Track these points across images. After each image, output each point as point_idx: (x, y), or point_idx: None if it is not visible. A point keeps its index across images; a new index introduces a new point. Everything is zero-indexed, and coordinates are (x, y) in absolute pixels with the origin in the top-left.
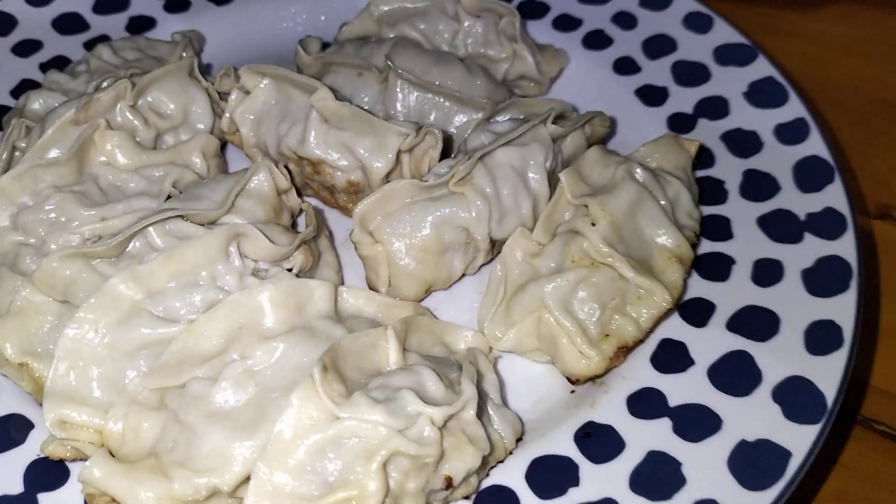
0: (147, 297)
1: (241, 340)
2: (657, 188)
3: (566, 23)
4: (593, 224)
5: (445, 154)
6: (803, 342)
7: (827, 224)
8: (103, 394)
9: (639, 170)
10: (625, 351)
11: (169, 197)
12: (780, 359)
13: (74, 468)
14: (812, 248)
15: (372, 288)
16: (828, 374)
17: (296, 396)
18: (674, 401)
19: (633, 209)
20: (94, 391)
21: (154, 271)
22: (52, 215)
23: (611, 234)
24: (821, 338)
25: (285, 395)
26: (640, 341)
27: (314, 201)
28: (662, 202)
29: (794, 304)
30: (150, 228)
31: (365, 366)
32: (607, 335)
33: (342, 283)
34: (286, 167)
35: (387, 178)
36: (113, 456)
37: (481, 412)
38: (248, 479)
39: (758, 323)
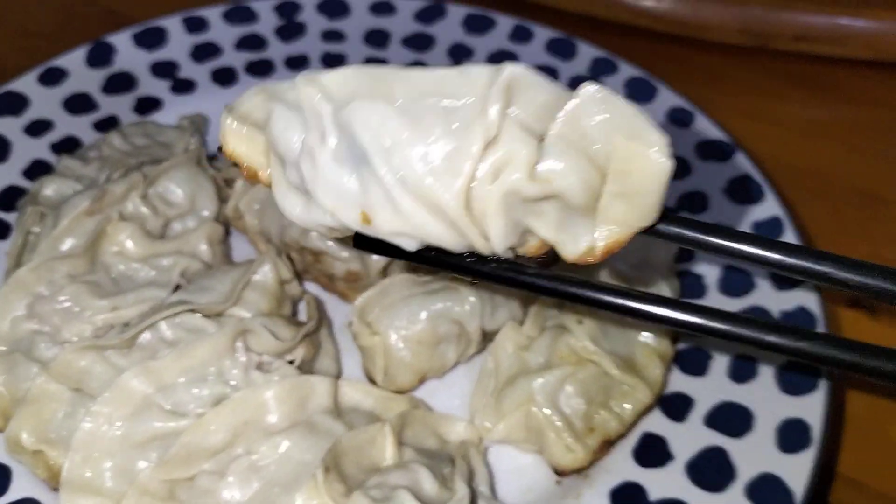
0: (158, 391)
1: (247, 435)
2: (641, 285)
3: None
4: (580, 322)
5: None
6: (774, 440)
7: (799, 322)
8: (116, 484)
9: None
10: (608, 445)
11: (177, 287)
12: (753, 456)
13: None
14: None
15: (369, 375)
16: (797, 471)
17: (300, 498)
18: (654, 495)
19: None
20: (107, 481)
21: (166, 367)
22: (67, 304)
23: (596, 332)
24: (791, 436)
25: (287, 490)
26: (623, 435)
27: (314, 286)
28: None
29: (767, 401)
30: (160, 321)
31: (363, 461)
32: (592, 429)
33: (340, 371)
34: (288, 256)
35: (385, 268)
36: None
37: None
38: None
39: (733, 419)
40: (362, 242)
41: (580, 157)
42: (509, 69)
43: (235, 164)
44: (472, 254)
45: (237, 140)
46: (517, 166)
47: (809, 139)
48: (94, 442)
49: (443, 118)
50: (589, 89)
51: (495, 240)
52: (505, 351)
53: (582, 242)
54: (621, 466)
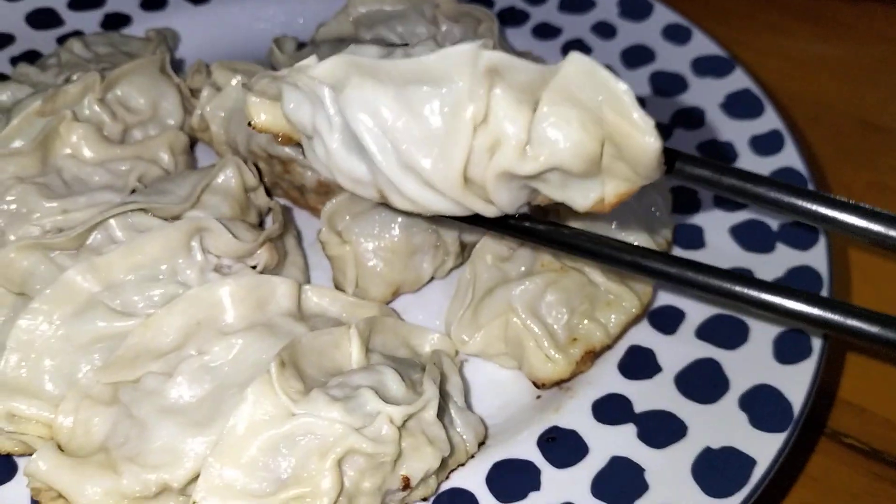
0: (104, 289)
1: (199, 336)
2: (634, 198)
3: (546, 31)
4: None
5: None
6: (772, 351)
7: (799, 234)
8: (55, 387)
9: None
10: (592, 356)
11: (133, 191)
12: (748, 367)
13: (22, 463)
14: (784, 259)
15: (339, 289)
16: (795, 383)
17: (251, 391)
18: (639, 407)
19: (607, 215)
20: (45, 384)
21: (113, 263)
22: (13, 206)
23: None
24: (789, 347)
25: (242, 391)
26: (608, 347)
27: (284, 201)
28: (635, 207)
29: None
30: (112, 221)
31: (326, 364)
32: (575, 339)
33: (308, 282)
34: (256, 165)
35: None
36: (62, 450)
37: (442, 413)
38: (199, 476)
39: (727, 331)
40: None
41: (572, 129)
42: (486, 55)
43: (263, 131)
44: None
45: (260, 110)
46: (508, 147)
47: (813, 71)
48: (32, 341)
49: (432, 103)
50: (575, 60)
51: (502, 206)
52: (484, 262)
53: (591, 197)
54: (605, 379)
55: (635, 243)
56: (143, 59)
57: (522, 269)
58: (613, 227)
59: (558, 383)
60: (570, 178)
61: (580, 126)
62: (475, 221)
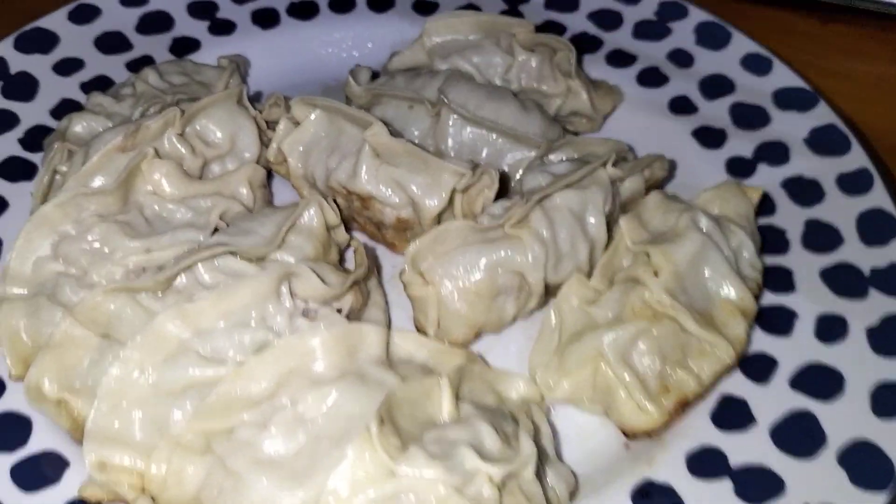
0: (195, 336)
1: (291, 384)
2: (721, 238)
3: (620, 58)
4: (656, 274)
5: (500, 193)
6: (869, 404)
7: (892, 280)
8: (146, 436)
9: (703, 218)
10: (684, 406)
11: (216, 230)
12: (845, 420)
13: None
14: (877, 305)
15: (419, 329)
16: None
17: (352, 449)
18: (735, 461)
19: (697, 260)
20: (136, 433)
21: (204, 310)
22: (96, 245)
23: (673, 285)
24: (887, 400)
25: (337, 445)
26: (700, 397)
27: (360, 235)
28: (726, 252)
29: (858, 363)
30: (198, 263)
31: (418, 415)
32: (667, 389)
33: (390, 323)
34: (334, 201)
35: (439, 216)
36: (154, 501)
37: (539, 469)
38: None
39: (822, 381)
40: None
41: None
42: None
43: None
44: None
45: None
46: None
47: (886, 96)
48: (122, 390)
49: None
50: None
51: None
52: (570, 304)
53: None
54: (698, 430)
55: (726, 289)
56: (221, 94)
57: (610, 314)
58: (706, 273)
59: (648, 434)
60: None
61: None
62: None
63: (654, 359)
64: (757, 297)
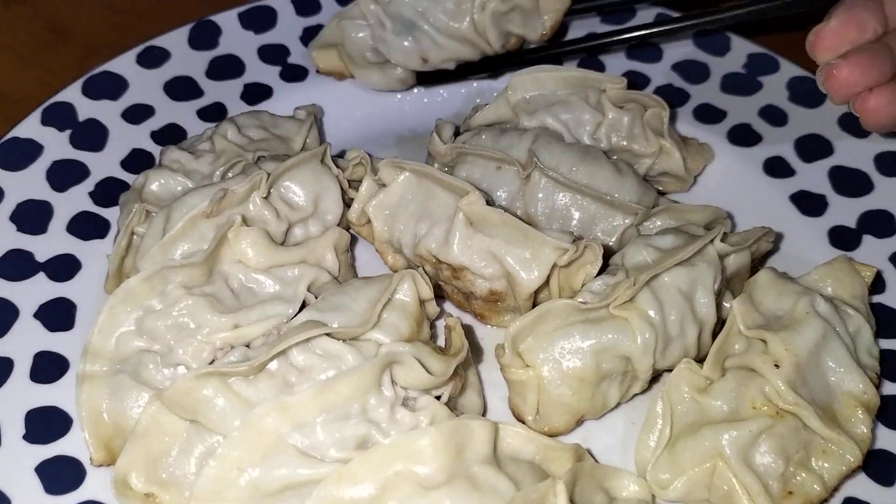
0: (293, 430)
1: (398, 489)
2: (839, 323)
3: (709, 114)
4: (776, 365)
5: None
6: None
7: None
8: None
9: (821, 301)
10: None
11: (304, 303)
12: None
13: None
14: None
15: (516, 414)
16: None
17: None
18: None
19: (818, 349)
20: None
21: (304, 404)
22: (182, 320)
23: (794, 378)
24: None
25: None
26: (825, 501)
27: (447, 305)
28: (846, 340)
29: None
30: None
31: None
32: (790, 492)
33: (486, 406)
34: (424, 269)
35: (536, 293)
36: None
37: None
38: None
39: None
40: (423, 79)
41: None
42: None
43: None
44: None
45: (322, 58)
46: None
47: None
48: (220, 491)
49: None
50: None
51: (493, 42)
52: (679, 393)
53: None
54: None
55: (848, 381)
56: (306, 154)
57: (725, 407)
58: (828, 364)
59: None
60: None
61: None
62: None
63: (777, 459)
64: (877, 387)
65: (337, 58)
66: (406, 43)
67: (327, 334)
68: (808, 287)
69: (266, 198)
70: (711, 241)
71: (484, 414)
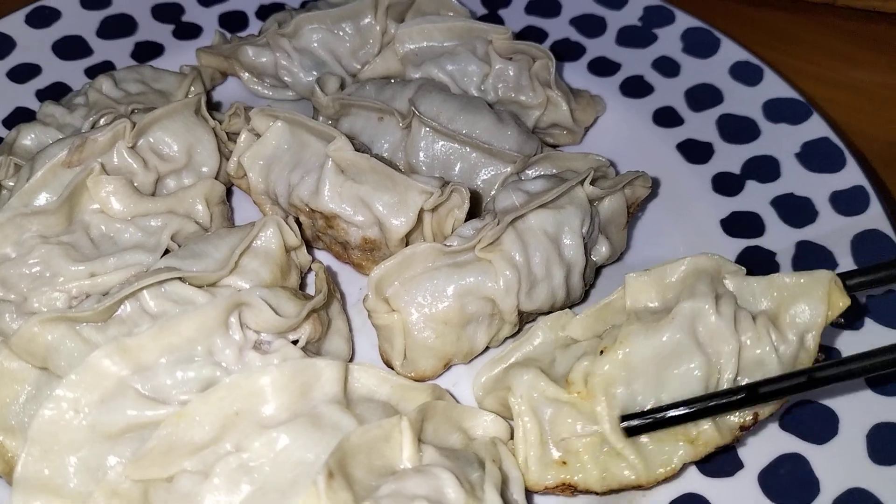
0: (134, 373)
1: (237, 428)
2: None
3: (603, 67)
4: (602, 351)
5: (472, 212)
6: (865, 448)
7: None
8: (80, 483)
9: (693, 314)
10: (571, 490)
11: (166, 251)
12: (839, 466)
13: None
14: (872, 334)
15: (385, 359)
16: (892, 485)
17: None
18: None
19: (663, 359)
20: (70, 480)
21: (144, 345)
22: (37, 269)
23: (615, 372)
24: (884, 444)
25: (285, 496)
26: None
27: (325, 255)
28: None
29: (854, 404)
30: (144, 290)
31: (376, 462)
32: (564, 463)
33: (353, 353)
34: (296, 219)
35: (406, 237)
36: None
37: None
38: None
39: (814, 423)
40: None
41: None
42: None
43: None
44: None
45: (206, 59)
46: None
47: (886, 107)
48: (55, 433)
49: None
50: None
51: None
52: (539, 338)
53: None
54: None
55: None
56: (177, 103)
57: (560, 369)
58: (676, 381)
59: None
60: None
61: None
62: None
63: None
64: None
65: (222, 60)
66: (311, 79)
67: (182, 279)
68: (729, 292)
69: (132, 147)
70: (581, 183)
71: (351, 360)
